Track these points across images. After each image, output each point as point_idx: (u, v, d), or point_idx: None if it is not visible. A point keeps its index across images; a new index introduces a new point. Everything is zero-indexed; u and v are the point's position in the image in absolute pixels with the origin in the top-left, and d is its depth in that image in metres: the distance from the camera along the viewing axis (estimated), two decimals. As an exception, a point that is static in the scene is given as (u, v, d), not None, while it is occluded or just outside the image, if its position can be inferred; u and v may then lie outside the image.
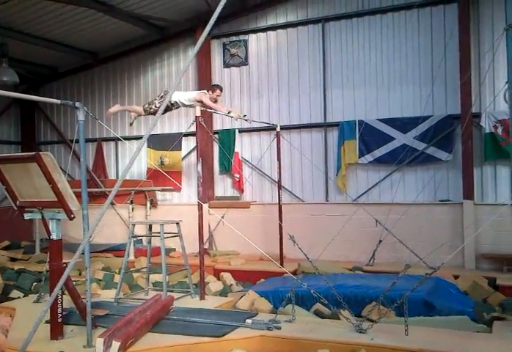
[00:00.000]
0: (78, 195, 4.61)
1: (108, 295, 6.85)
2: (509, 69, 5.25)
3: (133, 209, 10.47)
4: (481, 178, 9.14)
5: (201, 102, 7.41)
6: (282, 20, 10.89)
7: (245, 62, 11.21)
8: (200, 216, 6.53)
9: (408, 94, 9.75)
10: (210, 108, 7.39)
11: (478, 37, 9.20)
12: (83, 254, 4.48)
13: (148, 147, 11.88)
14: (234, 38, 11.36)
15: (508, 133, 7.60)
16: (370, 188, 9.97)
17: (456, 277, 7.76)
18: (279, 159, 9.23)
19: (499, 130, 8.72)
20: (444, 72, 9.33)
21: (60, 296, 4.71)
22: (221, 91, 7.86)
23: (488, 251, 8.72)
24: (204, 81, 11.28)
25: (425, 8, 9.60)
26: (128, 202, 10.41)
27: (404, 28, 9.81)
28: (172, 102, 7.60)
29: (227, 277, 8.61)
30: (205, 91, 7.72)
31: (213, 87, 7.80)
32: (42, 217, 4.77)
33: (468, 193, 8.94)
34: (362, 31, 10.15)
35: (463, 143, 8.96)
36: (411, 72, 9.74)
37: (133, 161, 3.09)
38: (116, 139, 12.43)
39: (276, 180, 9.50)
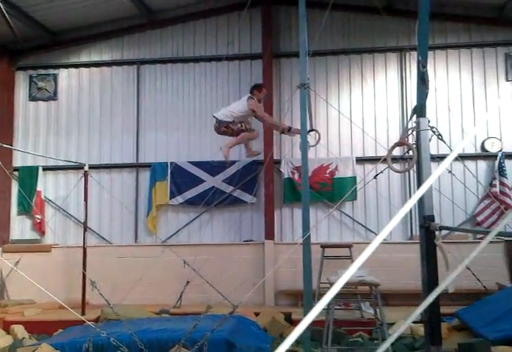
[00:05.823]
0: None
1: None
2: (302, 121, 5.83)
3: None
4: (281, 219, 9.89)
5: (254, 112, 6.43)
6: (96, 57, 10.70)
7: (54, 97, 10.64)
8: (-14, 262, 5.84)
9: (218, 139, 10.21)
10: (262, 119, 6.53)
11: (280, 89, 10.18)
12: None
13: None
14: (42, 71, 10.76)
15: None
16: (179, 230, 10.04)
17: (257, 314, 8.11)
18: (86, 199, 8.80)
19: (296, 176, 9.61)
20: (250, 121, 10.03)
21: None
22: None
23: (285, 288, 9.34)
24: (3, 113, 10.38)
25: (234, 61, 10.36)
26: None
27: (216, 76, 10.40)
28: (222, 120, 6.41)
29: (19, 330, 7.72)
30: (251, 96, 6.47)
31: (257, 87, 6.60)
32: None
33: (269, 234, 9.57)
34: (176, 76, 10.48)
35: (266, 187, 9.66)
36: (220, 118, 10.26)
37: None
38: None
39: (83, 222, 9.01)
